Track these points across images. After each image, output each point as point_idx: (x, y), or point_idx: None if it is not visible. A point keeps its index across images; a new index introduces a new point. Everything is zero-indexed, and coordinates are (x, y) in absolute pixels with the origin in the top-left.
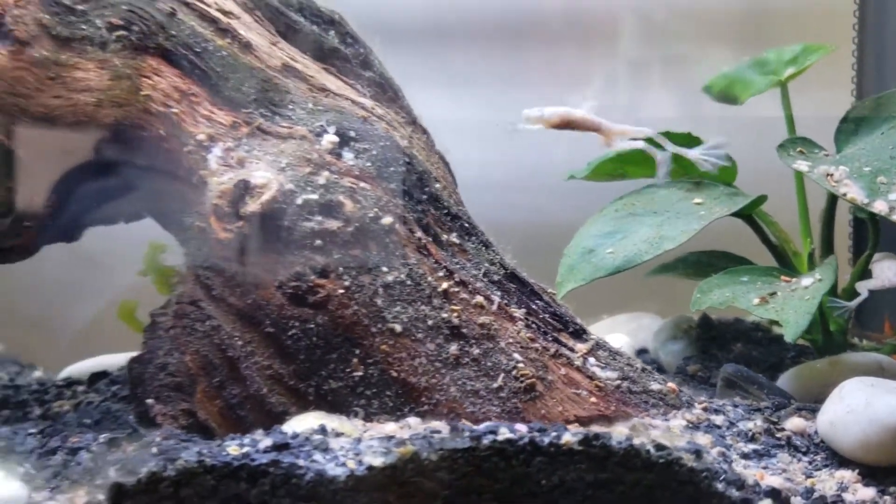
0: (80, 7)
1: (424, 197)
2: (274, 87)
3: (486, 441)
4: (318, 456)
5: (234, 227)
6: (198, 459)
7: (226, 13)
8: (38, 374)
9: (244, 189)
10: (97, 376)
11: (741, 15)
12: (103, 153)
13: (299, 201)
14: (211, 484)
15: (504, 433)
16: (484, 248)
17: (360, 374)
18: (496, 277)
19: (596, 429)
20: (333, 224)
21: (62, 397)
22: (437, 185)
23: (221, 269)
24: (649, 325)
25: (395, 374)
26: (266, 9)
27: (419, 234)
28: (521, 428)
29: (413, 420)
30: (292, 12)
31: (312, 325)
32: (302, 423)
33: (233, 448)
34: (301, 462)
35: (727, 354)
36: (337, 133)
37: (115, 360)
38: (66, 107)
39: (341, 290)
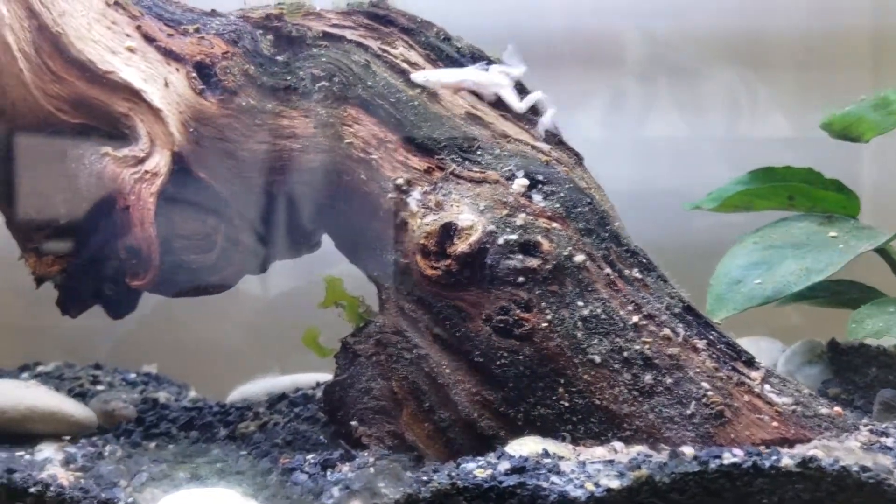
0: (282, 59)
1: (606, 235)
2: (461, 134)
3: (713, 465)
4: (554, 478)
5: (441, 265)
6: (450, 482)
7: (411, 64)
8: (192, 394)
9: (451, 230)
10: (276, 398)
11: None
12: (303, 194)
13: (501, 241)
14: None
15: (728, 457)
16: (662, 282)
17: (566, 401)
18: (676, 310)
19: (788, 451)
20: (533, 262)
21: (245, 418)
22: (617, 224)
23: (429, 302)
24: (769, 349)
25: (597, 401)
26: (444, 58)
27: (607, 270)
28: (739, 452)
29: (618, 445)
30: (467, 61)
31: (520, 356)
32: (524, 447)
33: (477, 470)
34: (543, 484)
35: (863, 378)
36: (526, 177)
37: (281, 383)
38: (273, 152)
39: (545, 324)
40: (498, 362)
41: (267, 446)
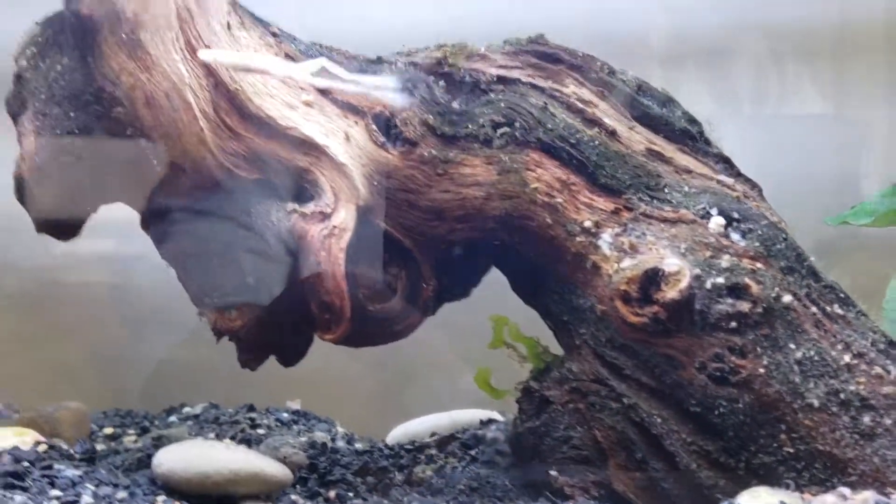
0: (459, 106)
1: (805, 271)
2: (645, 172)
3: None
4: None
5: (646, 312)
6: None
7: (587, 103)
8: (340, 429)
9: (655, 275)
10: (445, 439)
11: None
12: (483, 240)
13: (708, 285)
14: None
15: None
16: (863, 316)
17: (788, 448)
18: (881, 346)
19: None
20: (744, 306)
21: (419, 462)
22: (811, 258)
23: (633, 350)
24: None
25: (820, 446)
26: (618, 95)
27: (812, 309)
28: None
29: (845, 490)
30: (643, 98)
31: (740, 404)
32: (758, 499)
33: None
34: None
35: None
36: (720, 214)
37: (442, 421)
38: (455, 200)
39: (762, 369)
40: (716, 411)
41: (453, 493)
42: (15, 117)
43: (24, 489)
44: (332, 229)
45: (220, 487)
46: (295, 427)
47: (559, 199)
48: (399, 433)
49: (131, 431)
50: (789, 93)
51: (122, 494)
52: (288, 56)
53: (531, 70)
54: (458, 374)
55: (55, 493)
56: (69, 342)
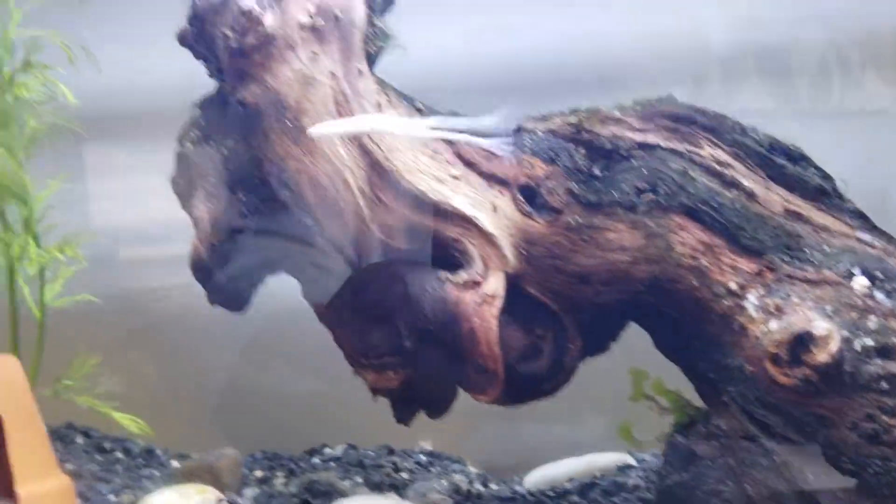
0: (600, 172)
1: None
2: (785, 233)
3: None
4: None
5: (796, 373)
6: None
7: (724, 164)
8: (472, 469)
9: (806, 339)
10: (587, 485)
11: None
12: (628, 302)
13: (857, 347)
14: None
15: None
16: None
17: None
18: None
19: None
20: (894, 367)
21: None
22: None
23: (782, 409)
24: None
25: None
26: (753, 155)
27: None
28: None
29: None
30: (776, 156)
31: (893, 463)
32: None
33: None
34: None
35: None
36: (864, 274)
37: (578, 465)
38: (601, 265)
39: None
40: (870, 469)
41: None
42: (182, 196)
43: None
44: (484, 297)
45: None
46: (433, 469)
47: (703, 262)
48: (537, 477)
49: (280, 474)
50: None
51: None
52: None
53: (667, 133)
54: (581, 416)
55: None
56: (191, 376)
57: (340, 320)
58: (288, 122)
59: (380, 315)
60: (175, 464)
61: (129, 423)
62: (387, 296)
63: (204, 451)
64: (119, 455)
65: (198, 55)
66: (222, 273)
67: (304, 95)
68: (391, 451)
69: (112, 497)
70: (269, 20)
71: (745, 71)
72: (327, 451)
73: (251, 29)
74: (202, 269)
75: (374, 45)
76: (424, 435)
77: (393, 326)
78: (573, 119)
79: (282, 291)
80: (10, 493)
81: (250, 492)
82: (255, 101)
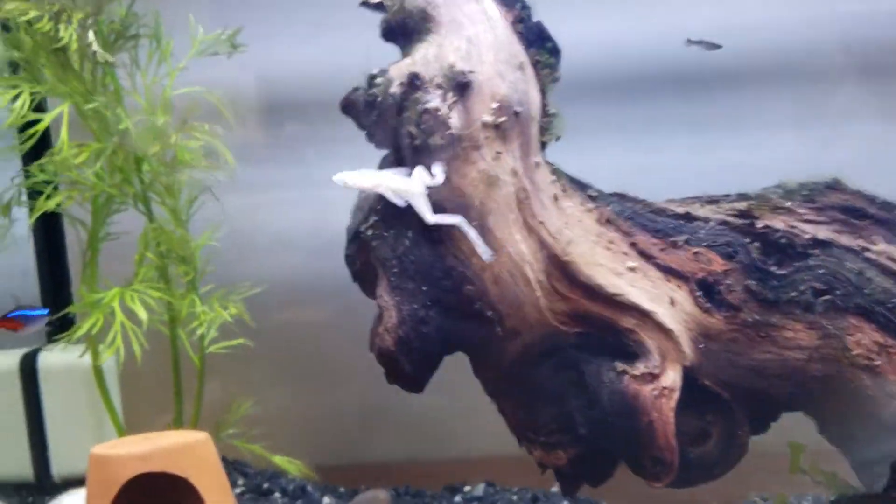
0: (779, 271)
1: None
2: None
3: None
4: None
5: None
6: None
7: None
8: None
9: None
10: None
11: None
12: (800, 396)
13: None
14: None
15: None
16: None
17: None
18: None
19: None
20: None
21: None
22: None
23: None
24: None
25: None
26: None
27: None
28: None
29: None
30: None
31: None
32: None
33: None
34: None
35: None
36: None
37: None
38: (776, 361)
39: None
40: None
41: None
42: (361, 278)
43: None
44: (661, 390)
45: None
46: None
47: (878, 363)
48: None
49: None
50: None
51: None
52: (608, 221)
53: (838, 226)
54: None
55: None
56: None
57: (509, 395)
58: (473, 222)
59: (551, 396)
60: (327, 500)
61: (289, 466)
62: (559, 379)
63: (351, 485)
64: (278, 495)
65: (372, 138)
66: (408, 363)
67: (488, 195)
68: (535, 499)
69: None
70: (455, 121)
71: None
72: (467, 489)
73: (438, 129)
74: (389, 358)
75: (548, 135)
76: None
77: (564, 408)
78: (742, 206)
79: None
80: None
81: None
82: (440, 199)
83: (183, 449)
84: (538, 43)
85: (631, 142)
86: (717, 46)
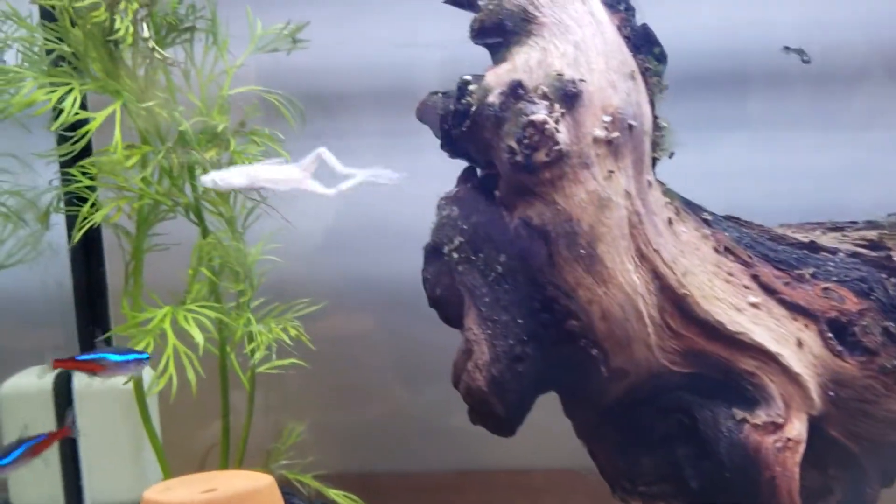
0: None
1: None
2: None
3: None
4: None
5: None
6: None
7: None
8: None
9: None
10: None
11: None
12: None
13: None
14: None
15: None
16: None
17: None
18: None
19: None
20: None
21: None
22: None
23: None
24: None
25: None
26: None
27: None
28: None
29: None
30: None
31: None
32: None
33: None
34: None
35: None
36: None
37: None
38: None
39: None
40: None
41: None
42: (439, 303)
43: None
44: (786, 442)
45: None
46: None
47: None
48: None
49: None
50: None
51: None
52: (727, 249)
53: None
54: None
55: None
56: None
57: (605, 439)
58: (581, 250)
59: (654, 442)
60: None
61: (345, 501)
62: (665, 424)
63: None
64: None
65: (454, 151)
66: (500, 405)
67: (598, 219)
68: None
69: None
70: (563, 136)
71: None
72: None
73: (543, 144)
74: (480, 399)
75: (660, 151)
76: None
77: (669, 456)
78: (872, 235)
79: None
80: None
81: None
82: (543, 223)
83: (250, 496)
84: (645, 48)
85: None
86: (807, 61)
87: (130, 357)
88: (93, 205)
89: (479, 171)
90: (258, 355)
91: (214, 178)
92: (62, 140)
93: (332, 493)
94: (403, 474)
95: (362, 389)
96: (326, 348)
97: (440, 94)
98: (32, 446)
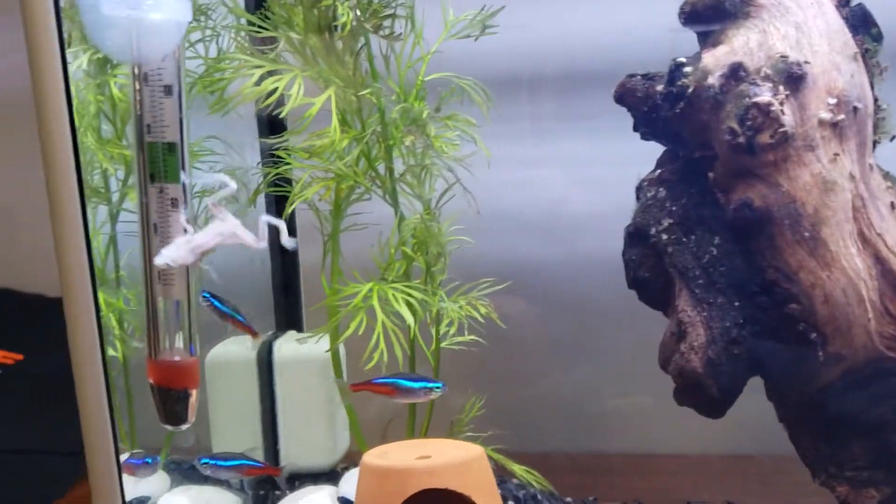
0: None
1: None
2: None
3: None
4: None
5: None
6: None
7: None
8: None
9: None
10: None
11: None
12: None
13: None
14: None
15: None
16: None
17: None
18: None
19: None
20: None
21: None
22: None
23: None
24: None
25: None
26: None
27: None
28: None
29: None
30: None
31: None
32: None
33: None
34: None
35: None
36: None
37: None
38: None
39: None
40: None
41: None
42: (642, 284)
43: None
44: None
45: None
46: None
47: None
48: None
49: None
50: None
51: None
52: None
53: None
54: None
55: None
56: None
57: (811, 423)
58: (805, 233)
59: (865, 427)
60: None
61: (530, 477)
62: (879, 410)
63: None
64: None
65: (653, 133)
66: (715, 387)
67: (823, 202)
68: None
69: None
70: (788, 118)
71: None
72: None
73: (767, 126)
74: (693, 380)
75: (880, 133)
76: None
77: (881, 442)
78: None
79: None
80: None
81: None
82: (766, 205)
83: (466, 465)
84: (863, 28)
85: None
86: None
87: (419, 385)
88: (305, 187)
89: (680, 154)
90: (451, 331)
91: (165, 260)
92: (260, 124)
93: (516, 468)
94: (570, 454)
95: (533, 370)
96: (498, 328)
97: (639, 76)
98: (248, 467)
